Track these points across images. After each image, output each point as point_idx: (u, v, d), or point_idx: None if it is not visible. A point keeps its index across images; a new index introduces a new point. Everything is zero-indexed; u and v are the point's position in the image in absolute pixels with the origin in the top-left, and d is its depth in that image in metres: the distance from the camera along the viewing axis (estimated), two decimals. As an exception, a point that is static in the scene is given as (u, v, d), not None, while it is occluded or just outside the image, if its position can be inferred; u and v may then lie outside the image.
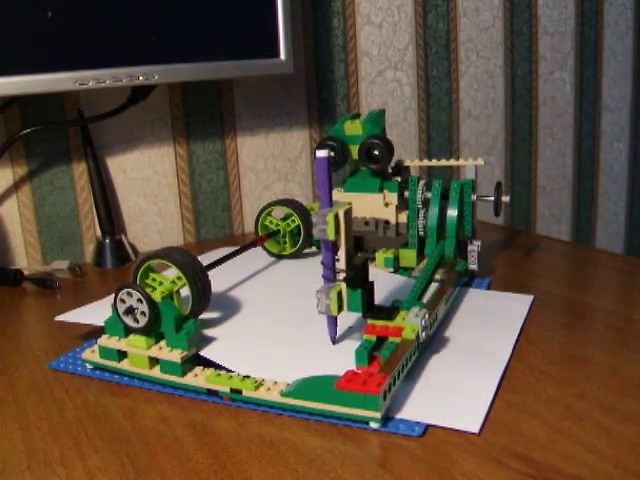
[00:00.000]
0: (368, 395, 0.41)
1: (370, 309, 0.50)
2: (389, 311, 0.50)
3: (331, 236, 0.47)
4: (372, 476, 0.38)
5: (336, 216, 0.47)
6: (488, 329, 0.56)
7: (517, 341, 0.54)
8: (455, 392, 0.46)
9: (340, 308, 0.49)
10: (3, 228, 0.84)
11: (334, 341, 0.53)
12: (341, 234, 0.48)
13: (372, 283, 0.51)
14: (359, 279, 0.49)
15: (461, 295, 0.64)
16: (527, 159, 1.30)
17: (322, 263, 0.49)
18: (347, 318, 0.57)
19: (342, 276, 0.49)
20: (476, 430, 0.41)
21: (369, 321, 0.50)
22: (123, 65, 0.74)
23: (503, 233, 0.92)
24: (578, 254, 0.82)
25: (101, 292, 0.71)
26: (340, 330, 0.54)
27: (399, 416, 0.43)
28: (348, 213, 0.48)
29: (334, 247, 0.49)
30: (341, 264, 0.49)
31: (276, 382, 0.46)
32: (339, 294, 0.49)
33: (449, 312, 0.60)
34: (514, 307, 0.61)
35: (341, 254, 0.49)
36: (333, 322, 0.52)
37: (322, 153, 0.47)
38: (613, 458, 0.38)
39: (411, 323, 0.48)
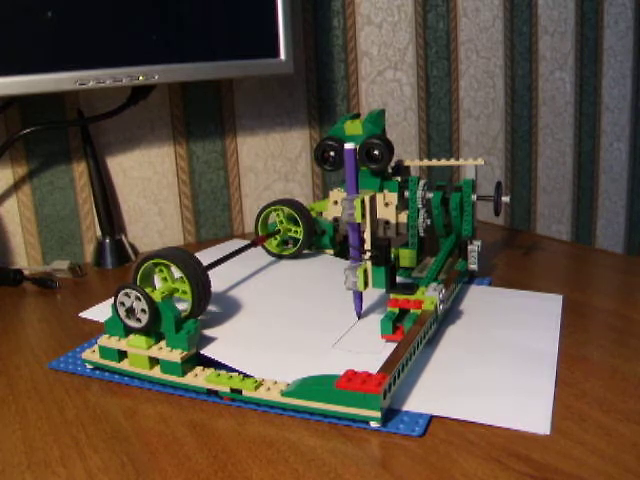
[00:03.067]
0: (368, 394, 0.41)
1: (393, 285, 0.56)
2: (410, 287, 0.56)
3: (358, 219, 0.52)
4: (372, 476, 0.38)
5: (362, 201, 0.52)
6: (528, 328, 0.56)
7: (560, 340, 0.54)
8: (513, 393, 0.45)
9: (366, 285, 0.53)
10: (3, 228, 0.84)
11: (359, 316, 0.57)
12: (366, 217, 0.53)
13: (394, 262, 0.56)
14: (383, 258, 0.53)
15: (489, 294, 0.64)
16: (527, 159, 1.30)
17: (350, 244, 0.55)
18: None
19: (367, 255, 0.54)
20: (547, 431, 0.41)
21: (392, 296, 0.55)
22: (123, 65, 0.74)
23: (503, 233, 0.92)
24: (578, 254, 0.82)
25: (101, 292, 0.71)
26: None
27: (457, 417, 0.42)
28: (372, 199, 0.54)
29: (360, 229, 0.54)
30: (367, 245, 0.54)
31: (276, 382, 0.46)
32: (365, 272, 0.53)
33: (484, 311, 0.60)
34: (546, 306, 0.61)
35: (366, 236, 0.54)
36: (359, 298, 0.57)
37: (350, 145, 0.52)
38: (613, 458, 0.38)
39: (430, 296, 0.53)
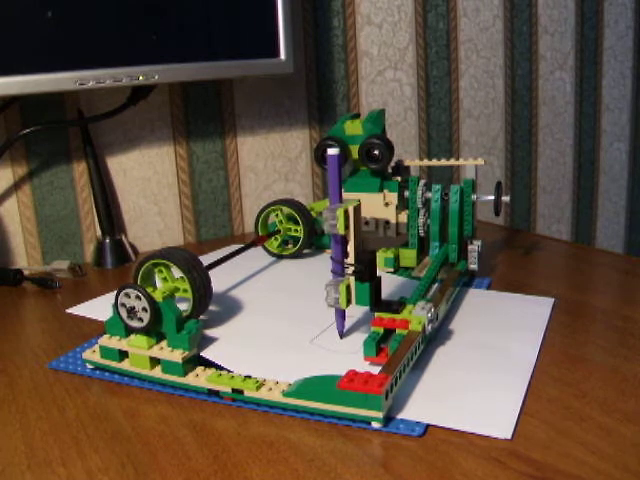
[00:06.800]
0: (370, 395, 0.41)
1: (377, 303, 0.51)
2: (396, 305, 0.51)
3: (341, 231, 0.49)
4: (372, 476, 0.38)
5: (346, 211, 0.49)
6: (512, 332, 0.55)
7: (542, 344, 0.53)
8: (482, 397, 0.45)
9: (348, 302, 0.50)
10: (3, 228, 0.84)
11: (342, 335, 0.53)
12: (350, 229, 0.49)
13: (379, 278, 0.51)
14: (367, 273, 0.50)
15: (481, 297, 0.64)
16: (527, 159, 1.30)
17: (331, 258, 0.50)
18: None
19: (351, 270, 0.50)
20: (508, 436, 0.40)
21: (376, 314, 0.51)
22: (123, 65, 0.74)
23: (503, 233, 0.92)
24: (578, 254, 0.82)
25: (101, 292, 0.71)
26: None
27: (424, 421, 0.42)
28: (357, 209, 0.50)
29: (343, 242, 0.50)
30: (350, 258, 0.50)
31: (277, 382, 0.46)
32: (348, 288, 0.50)
33: (470, 314, 0.59)
34: (535, 310, 0.60)
35: (350, 249, 0.50)
36: (341, 316, 0.53)
37: (333, 151, 0.48)
38: (613, 458, 0.38)
39: (418, 315, 0.49)
